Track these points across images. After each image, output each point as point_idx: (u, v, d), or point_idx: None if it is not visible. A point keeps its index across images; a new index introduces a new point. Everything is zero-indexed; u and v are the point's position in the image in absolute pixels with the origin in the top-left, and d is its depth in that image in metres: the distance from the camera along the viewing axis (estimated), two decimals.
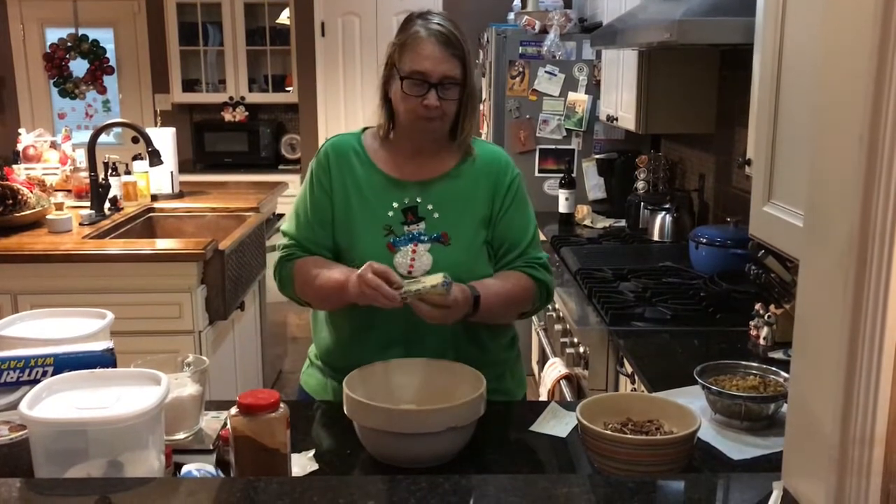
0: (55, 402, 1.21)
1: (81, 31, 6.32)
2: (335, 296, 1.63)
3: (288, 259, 1.73)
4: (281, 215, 4.42)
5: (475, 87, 1.69)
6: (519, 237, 1.73)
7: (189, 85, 6.26)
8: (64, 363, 1.33)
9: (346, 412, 1.41)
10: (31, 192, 3.26)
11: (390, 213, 1.68)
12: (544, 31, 3.99)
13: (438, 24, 1.63)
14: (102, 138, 3.49)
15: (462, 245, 1.68)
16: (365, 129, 1.78)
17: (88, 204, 3.38)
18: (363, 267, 1.52)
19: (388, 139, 1.72)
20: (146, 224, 3.62)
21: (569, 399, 2.43)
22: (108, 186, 3.47)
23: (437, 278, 1.49)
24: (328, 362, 1.77)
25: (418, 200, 1.69)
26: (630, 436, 1.34)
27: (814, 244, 0.98)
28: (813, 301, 0.98)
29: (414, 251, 1.66)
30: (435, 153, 1.72)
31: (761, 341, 2.08)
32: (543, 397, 2.59)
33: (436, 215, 1.69)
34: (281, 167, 6.19)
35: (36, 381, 1.28)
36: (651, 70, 3.18)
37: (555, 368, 2.56)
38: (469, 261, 1.68)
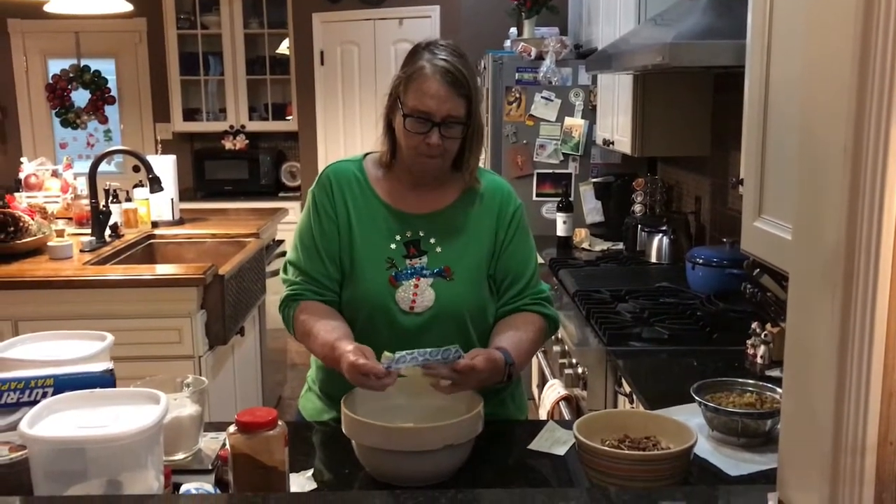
0: (55, 422, 1.21)
1: (83, 62, 6.39)
2: (329, 362, 1.59)
3: (294, 299, 1.69)
4: (281, 241, 4.43)
5: (480, 122, 1.66)
6: (522, 269, 1.73)
7: (190, 114, 6.32)
8: (64, 384, 1.33)
9: (343, 430, 1.42)
10: (33, 219, 3.28)
11: (392, 246, 1.67)
12: (540, 57, 4.04)
13: (444, 59, 1.58)
14: (104, 167, 3.52)
15: (464, 279, 1.67)
16: (366, 154, 1.77)
17: (89, 231, 3.39)
18: (351, 352, 1.47)
19: (390, 168, 1.72)
20: (146, 250, 3.64)
21: (568, 419, 2.43)
22: (109, 213, 3.49)
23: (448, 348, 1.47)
24: (326, 390, 1.75)
25: (421, 234, 1.68)
26: (626, 451, 1.34)
27: (802, 256, 0.99)
28: (802, 312, 0.99)
29: (416, 286, 1.65)
30: (437, 186, 1.71)
31: (758, 360, 2.08)
32: (543, 419, 2.58)
33: (438, 249, 1.68)
34: (281, 195, 6.22)
35: (36, 403, 1.28)
36: (646, 94, 3.21)
37: (554, 390, 2.56)
38: (471, 295, 1.68)
